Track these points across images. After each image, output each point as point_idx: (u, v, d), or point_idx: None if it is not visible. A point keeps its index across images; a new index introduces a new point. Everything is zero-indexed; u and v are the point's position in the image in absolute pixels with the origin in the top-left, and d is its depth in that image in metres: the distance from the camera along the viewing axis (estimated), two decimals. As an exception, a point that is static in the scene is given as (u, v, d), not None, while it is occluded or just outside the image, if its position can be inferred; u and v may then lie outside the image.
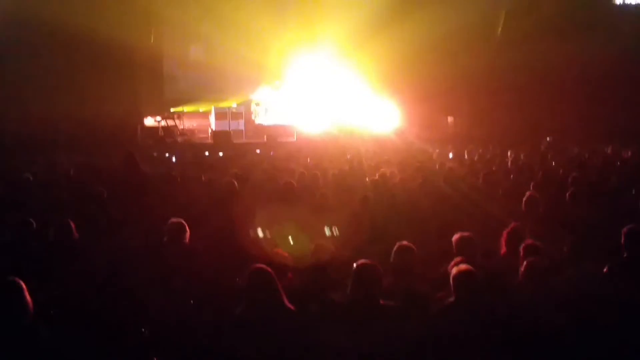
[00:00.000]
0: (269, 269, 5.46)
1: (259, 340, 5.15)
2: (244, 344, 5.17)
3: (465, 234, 6.80)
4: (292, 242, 7.89)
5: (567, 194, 9.77)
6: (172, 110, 25.39)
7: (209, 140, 24.47)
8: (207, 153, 20.66)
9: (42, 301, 5.49)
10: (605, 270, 6.33)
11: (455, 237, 6.79)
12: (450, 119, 27.18)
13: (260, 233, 8.42)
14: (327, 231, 8.42)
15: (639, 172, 12.41)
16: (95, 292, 6.37)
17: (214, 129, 24.66)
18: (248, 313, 5.32)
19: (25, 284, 5.16)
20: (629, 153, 16.76)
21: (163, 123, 24.45)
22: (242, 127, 24.80)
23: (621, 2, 27.77)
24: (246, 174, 12.50)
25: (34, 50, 22.68)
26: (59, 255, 7.30)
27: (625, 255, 6.58)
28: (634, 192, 10.16)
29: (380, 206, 9.68)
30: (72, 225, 7.71)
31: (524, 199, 8.99)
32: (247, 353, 5.12)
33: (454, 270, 5.55)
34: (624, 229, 6.67)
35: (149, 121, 25.27)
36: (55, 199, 10.66)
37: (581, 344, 5.18)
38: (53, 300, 6.18)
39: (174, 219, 7.43)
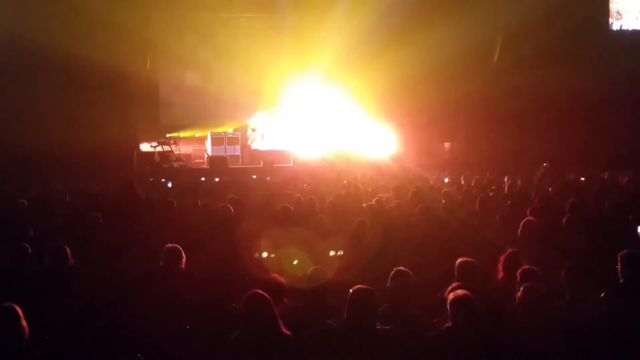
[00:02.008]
0: (266, 295, 5.44)
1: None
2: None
3: (468, 259, 6.80)
4: (290, 266, 7.88)
5: (564, 220, 9.78)
6: (168, 135, 25.37)
7: (205, 166, 24.50)
8: (203, 178, 20.62)
9: (38, 327, 5.47)
10: (602, 295, 6.32)
11: (458, 262, 6.79)
12: (447, 144, 27.23)
13: (257, 257, 8.41)
14: (324, 255, 8.39)
15: (636, 198, 12.39)
16: (90, 318, 6.33)
17: (210, 154, 24.68)
18: (244, 338, 5.30)
19: (21, 310, 5.14)
20: (626, 179, 16.76)
21: (159, 148, 24.44)
22: (238, 152, 24.84)
23: (618, 28, 27.93)
24: (243, 199, 12.48)
25: (29, 75, 22.66)
26: (55, 281, 7.26)
27: (621, 280, 6.58)
28: (630, 217, 10.15)
29: (377, 231, 9.67)
30: (68, 251, 7.68)
31: (521, 225, 9.00)
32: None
33: (451, 296, 5.53)
34: (620, 254, 6.67)
35: (145, 147, 25.24)
36: (50, 224, 10.62)
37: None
38: (48, 326, 6.15)
39: (169, 245, 7.42)
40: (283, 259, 8.15)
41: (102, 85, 22.59)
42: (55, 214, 11.78)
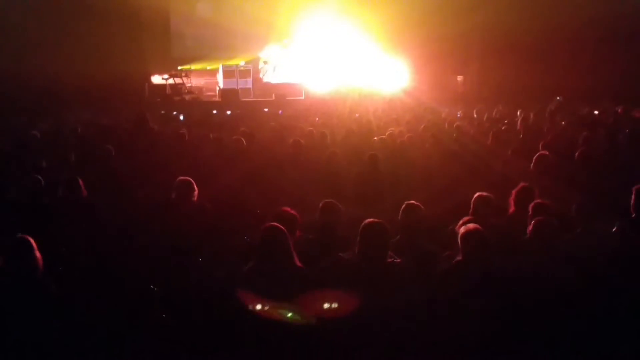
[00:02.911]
0: (283, 228, 5.46)
1: (267, 296, 5.18)
2: (252, 299, 5.20)
3: (484, 194, 6.78)
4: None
5: (577, 154, 9.73)
6: (179, 68, 25.29)
7: (217, 99, 24.40)
8: (214, 111, 20.58)
9: (52, 258, 5.52)
10: (615, 229, 6.32)
11: (475, 196, 6.78)
12: (459, 78, 26.99)
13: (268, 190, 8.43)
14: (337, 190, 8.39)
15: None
16: (104, 249, 6.40)
17: (221, 87, 24.56)
18: (258, 269, 5.34)
19: (35, 241, 5.18)
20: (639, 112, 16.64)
21: (170, 81, 24.36)
22: (250, 85, 24.69)
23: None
24: (254, 133, 12.47)
25: (41, 8, 22.51)
26: (68, 213, 7.31)
27: (634, 214, 6.56)
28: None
29: (389, 165, 9.67)
30: (81, 182, 7.72)
31: (534, 159, 8.97)
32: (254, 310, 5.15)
33: (462, 230, 5.54)
34: (635, 188, 6.63)
35: (156, 79, 25.17)
36: (63, 156, 10.65)
37: (591, 301, 5.19)
38: (63, 256, 6.22)
39: (182, 177, 7.44)
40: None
41: (113, 17, 22.40)
42: (67, 146, 11.80)
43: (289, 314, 5.14)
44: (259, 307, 5.11)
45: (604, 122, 14.68)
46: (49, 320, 5.01)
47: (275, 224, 5.54)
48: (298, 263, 5.43)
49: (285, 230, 5.48)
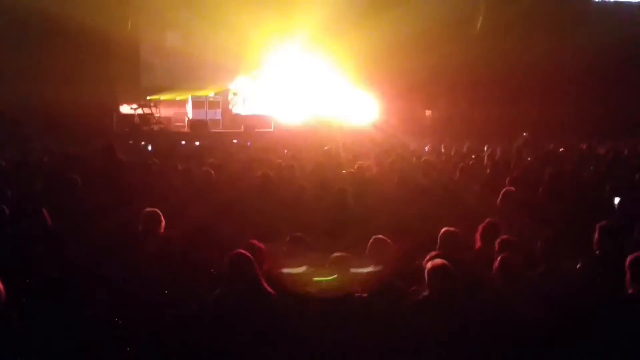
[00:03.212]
0: (249, 255, 5.50)
1: (236, 323, 5.18)
2: (221, 327, 5.20)
3: (451, 229, 6.83)
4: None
5: (541, 190, 9.84)
6: (148, 98, 25.17)
7: (186, 129, 24.35)
8: (183, 142, 20.53)
9: (15, 289, 5.45)
10: (578, 266, 6.38)
11: (442, 231, 6.82)
12: (428, 112, 27.22)
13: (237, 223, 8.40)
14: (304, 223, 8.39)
15: (614, 169, 12.47)
16: (68, 280, 6.32)
17: (190, 118, 24.52)
18: (226, 297, 5.35)
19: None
20: (604, 150, 16.87)
21: (139, 111, 24.23)
22: (219, 116, 24.67)
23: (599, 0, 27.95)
24: (223, 164, 12.44)
25: (8, 34, 22.39)
26: (33, 244, 7.22)
27: (598, 251, 6.63)
28: (608, 188, 10.23)
29: (357, 198, 9.68)
30: (46, 213, 7.64)
31: (501, 194, 9.04)
32: (224, 337, 5.16)
33: (429, 265, 5.57)
34: (598, 225, 6.71)
35: (125, 109, 25.02)
36: (28, 186, 10.54)
37: (554, 338, 5.22)
38: (26, 288, 6.14)
39: (149, 209, 7.40)
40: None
41: (82, 46, 22.36)
42: (33, 175, 11.68)
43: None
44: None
45: (569, 159, 14.85)
46: (10, 353, 4.94)
47: (242, 251, 5.63)
48: (269, 289, 5.45)
49: (252, 257, 5.55)
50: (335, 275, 5.53)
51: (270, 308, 5.37)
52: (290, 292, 5.63)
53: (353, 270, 5.73)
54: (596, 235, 6.67)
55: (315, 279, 5.59)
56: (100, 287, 6.30)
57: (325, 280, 5.51)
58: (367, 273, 5.96)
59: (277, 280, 6.03)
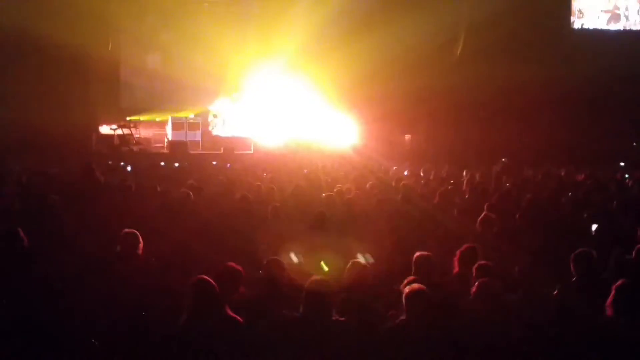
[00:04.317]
0: (211, 280, 5.53)
1: (202, 351, 5.17)
2: (188, 355, 5.18)
3: (425, 253, 6.87)
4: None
5: (518, 216, 9.91)
6: (128, 118, 25.10)
7: (165, 150, 24.32)
8: (162, 163, 20.50)
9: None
10: (555, 292, 6.42)
11: (415, 256, 6.85)
12: (407, 136, 27.32)
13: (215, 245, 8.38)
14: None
15: (591, 196, 12.56)
16: (45, 303, 6.27)
17: (170, 139, 24.49)
18: (191, 323, 5.34)
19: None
20: (582, 176, 16.98)
21: (119, 131, 24.14)
22: (198, 137, 24.64)
23: (579, 27, 28.23)
24: (202, 186, 12.42)
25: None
26: (9, 265, 7.17)
27: (574, 278, 6.67)
28: (585, 216, 10.31)
29: (336, 222, 9.69)
30: (22, 234, 7.58)
31: (479, 219, 9.08)
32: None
33: (406, 290, 5.59)
34: (574, 253, 6.77)
35: (105, 129, 24.95)
36: (6, 206, 10.47)
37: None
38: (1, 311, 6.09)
39: (127, 230, 7.37)
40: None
41: (61, 66, 22.33)
42: (11, 194, 11.61)
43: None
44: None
45: (548, 185, 14.94)
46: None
47: (203, 276, 5.62)
48: (233, 315, 5.44)
49: (213, 282, 5.55)
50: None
51: (235, 335, 5.36)
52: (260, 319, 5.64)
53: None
54: (572, 262, 6.72)
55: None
56: (76, 310, 6.26)
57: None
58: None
59: (253, 303, 6.04)
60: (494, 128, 25.25)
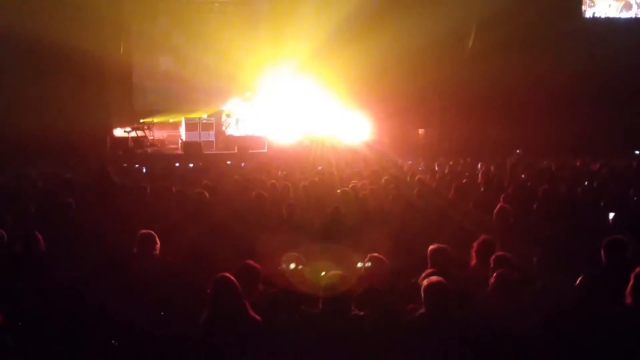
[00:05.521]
0: (232, 277, 5.50)
1: (222, 348, 5.17)
2: (208, 353, 5.19)
3: (440, 245, 6.85)
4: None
5: (535, 207, 9.86)
6: (141, 121, 25.20)
7: (179, 151, 24.38)
8: (177, 164, 20.54)
9: (10, 313, 5.43)
10: (578, 282, 6.36)
11: (430, 248, 6.84)
12: (421, 131, 27.27)
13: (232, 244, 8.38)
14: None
15: (607, 185, 12.50)
16: (63, 304, 6.30)
17: (184, 140, 24.55)
18: (211, 322, 5.34)
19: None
20: (597, 166, 16.88)
21: (133, 134, 24.24)
22: (212, 138, 24.70)
23: (591, 16, 28.06)
24: (217, 185, 12.44)
25: (1, 61, 22.45)
26: (26, 267, 7.21)
27: (603, 265, 6.61)
28: (602, 204, 10.25)
29: (351, 217, 9.69)
30: (39, 237, 7.62)
31: (495, 211, 9.05)
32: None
33: (425, 282, 5.57)
34: (606, 239, 6.69)
35: (119, 132, 25.06)
36: (23, 210, 10.53)
37: (551, 356, 5.21)
38: (21, 312, 6.12)
39: (143, 231, 7.39)
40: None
41: (75, 70, 22.38)
42: (27, 199, 11.67)
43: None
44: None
45: (563, 175, 14.87)
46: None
47: (225, 274, 5.60)
48: (254, 315, 5.43)
49: (235, 281, 5.53)
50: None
51: (256, 332, 5.35)
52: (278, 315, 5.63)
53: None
54: (602, 251, 6.64)
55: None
56: (94, 310, 6.28)
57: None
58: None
59: (273, 300, 6.04)
60: (508, 120, 25.13)
